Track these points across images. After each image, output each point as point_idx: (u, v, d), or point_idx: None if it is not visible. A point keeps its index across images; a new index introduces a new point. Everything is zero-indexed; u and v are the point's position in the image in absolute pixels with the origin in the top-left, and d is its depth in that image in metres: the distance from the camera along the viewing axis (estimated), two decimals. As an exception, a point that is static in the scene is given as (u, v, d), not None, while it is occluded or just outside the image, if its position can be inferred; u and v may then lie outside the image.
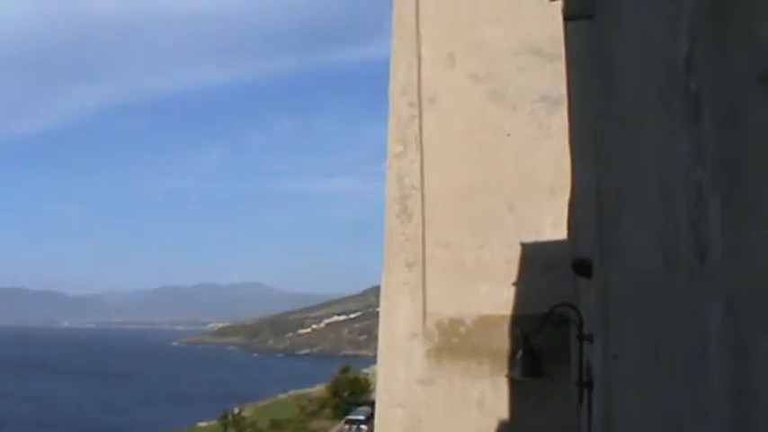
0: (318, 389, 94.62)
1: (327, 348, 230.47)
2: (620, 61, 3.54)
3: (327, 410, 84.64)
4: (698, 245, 2.11)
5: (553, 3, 5.95)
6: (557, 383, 7.58)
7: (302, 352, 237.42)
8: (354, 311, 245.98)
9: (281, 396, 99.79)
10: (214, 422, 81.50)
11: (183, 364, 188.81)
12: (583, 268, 5.38)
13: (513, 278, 8.88)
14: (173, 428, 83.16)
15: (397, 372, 9.31)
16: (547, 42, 8.74)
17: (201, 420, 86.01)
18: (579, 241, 6.57)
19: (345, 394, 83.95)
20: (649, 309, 2.93)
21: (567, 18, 5.26)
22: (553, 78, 8.53)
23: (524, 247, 8.85)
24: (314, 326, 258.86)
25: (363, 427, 68.07)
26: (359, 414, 72.69)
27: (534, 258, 8.82)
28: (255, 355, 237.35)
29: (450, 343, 9.17)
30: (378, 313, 9.87)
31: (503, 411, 8.82)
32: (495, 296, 8.94)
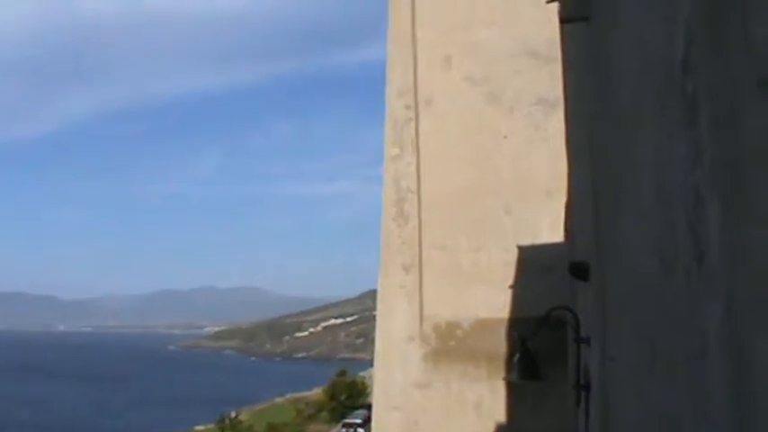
0: (315, 392, 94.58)
1: (324, 352, 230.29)
2: (617, 63, 3.54)
3: (324, 414, 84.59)
4: (696, 246, 2.11)
5: (549, 5, 5.95)
6: (554, 386, 7.58)
7: (299, 355, 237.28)
8: (351, 315, 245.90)
9: (278, 399, 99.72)
10: (211, 426, 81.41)
11: (180, 368, 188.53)
12: (580, 271, 5.38)
13: (510, 281, 8.88)
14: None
15: (394, 375, 9.30)
16: (543, 45, 8.74)
17: (198, 424, 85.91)
18: (576, 244, 6.57)
19: (342, 398, 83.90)
20: (647, 311, 2.93)
21: (564, 20, 5.26)
22: (549, 81, 8.53)
23: (521, 249, 8.84)
24: (311, 329, 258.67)
25: (360, 430, 67.96)
26: (356, 417, 72.62)
27: (531, 261, 8.81)
28: (252, 358, 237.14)
29: (447, 346, 9.16)
30: (375, 316, 9.86)
31: (500, 414, 8.81)
32: (492, 299, 8.93)
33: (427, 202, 9.32)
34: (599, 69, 4.18)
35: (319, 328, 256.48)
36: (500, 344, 8.83)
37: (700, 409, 2.15)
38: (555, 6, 5.80)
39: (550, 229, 8.67)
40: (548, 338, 7.16)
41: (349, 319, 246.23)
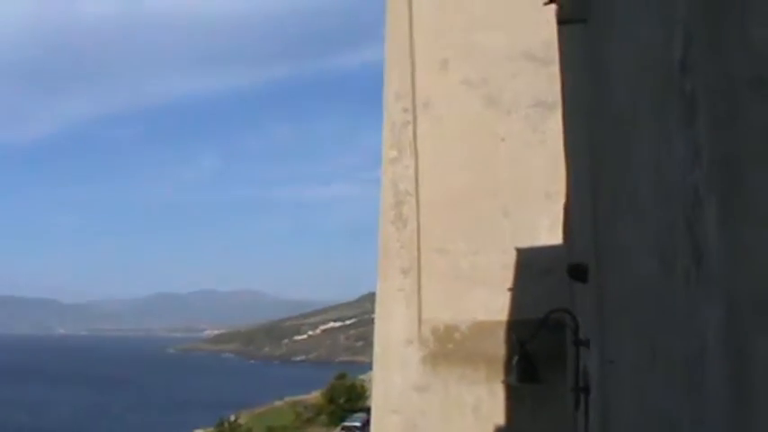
0: (314, 395, 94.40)
1: (323, 355, 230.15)
2: (615, 64, 3.53)
3: (323, 417, 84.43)
4: (694, 247, 2.09)
5: (547, 7, 5.95)
6: (553, 389, 7.56)
7: (298, 358, 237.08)
8: (350, 318, 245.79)
9: (277, 403, 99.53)
10: (210, 429, 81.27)
11: (179, 372, 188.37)
12: (578, 273, 5.37)
13: (509, 284, 8.86)
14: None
15: (393, 378, 9.29)
16: (541, 47, 8.74)
17: (197, 427, 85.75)
18: (575, 246, 6.56)
19: (341, 401, 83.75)
20: (646, 312, 2.92)
21: (562, 22, 5.26)
22: (547, 83, 8.53)
23: (519, 252, 8.83)
24: (310, 332, 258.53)
25: (359, 433, 67.86)
26: (355, 420, 72.48)
27: (529, 263, 8.80)
28: (251, 361, 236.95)
29: (446, 349, 9.15)
30: (374, 320, 9.84)
31: (499, 417, 8.80)
32: (491, 302, 8.92)
33: (425, 204, 9.31)
34: (597, 70, 4.17)
35: (318, 331, 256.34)
36: (499, 347, 8.82)
37: (699, 411, 2.13)
38: (552, 8, 5.80)
39: (549, 232, 8.66)
40: (546, 341, 7.15)
41: (348, 322, 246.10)
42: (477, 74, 9.22)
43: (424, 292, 9.26)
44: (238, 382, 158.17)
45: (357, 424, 70.44)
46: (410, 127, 9.41)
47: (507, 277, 8.88)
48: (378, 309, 9.58)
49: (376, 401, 9.63)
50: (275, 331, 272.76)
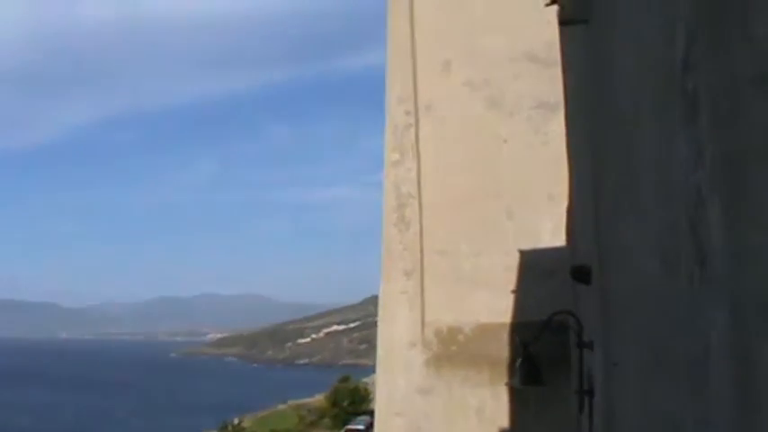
0: (318, 399, 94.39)
1: (327, 358, 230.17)
2: (617, 64, 3.51)
3: (327, 420, 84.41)
4: (698, 248, 2.08)
5: (548, 8, 5.94)
6: (557, 392, 7.54)
7: (301, 362, 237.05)
8: (354, 321, 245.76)
9: (281, 406, 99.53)
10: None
11: (182, 375, 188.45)
12: (582, 275, 5.35)
13: (512, 286, 8.85)
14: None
15: (397, 381, 9.27)
16: (542, 48, 8.72)
17: (201, 431, 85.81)
18: (578, 247, 6.54)
19: (345, 404, 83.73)
20: (650, 314, 2.90)
21: (563, 23, 5.24)
22: (549, 84, 8.51)
23: (523, 254, 8.81)
24: (313, 335, 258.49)
25: (363, 436, 67.84)
26: (358, 424, 72.47)
27: (533, 265, 8.78)
28: (254, 365, 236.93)
29: (449, 351, 9.13)
30: (377, 322, 9.83)
31: (502, 420, 8.77)
32: (494, 304, 8.90)
33: (428, 207, 9.29)
34: (599, 70, 4.16)
35: (321, 334, 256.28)
36: (502, 349, 8.80)
37: (704, 413, 2.12)
38: (554, 9, 5.78)
39: (552, 233, 8.64)
40: (550, 343, 7.13)
41: (351, 325, 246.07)
42: (479, 76, 9.21)
43: (427, 294, 9.24)
44: (242, 386, 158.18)
45: (361, 427, 70.43)
46: (412, 129, 9.40)
47: (510, 279, 8.86)
48: (381, 311, 9.57)
49: (379, 404, 9.62)
50: (278, 335, 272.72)
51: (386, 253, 9.44)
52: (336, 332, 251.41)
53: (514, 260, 8.83)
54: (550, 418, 8.19)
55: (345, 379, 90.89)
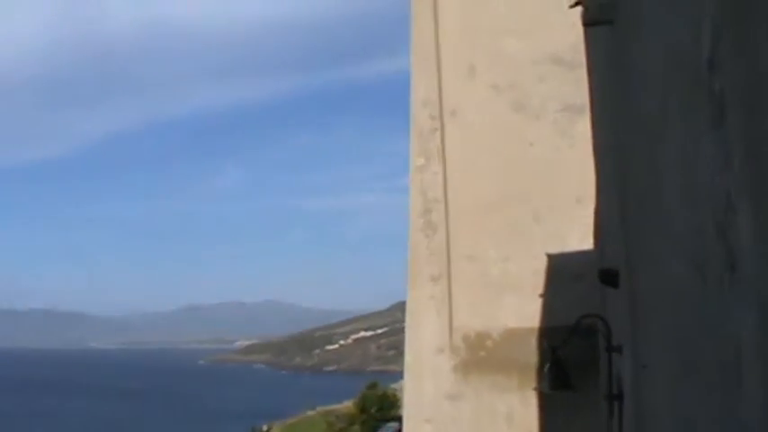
0: (346, 405, 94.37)
1: (355, 364, 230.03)
2: (642, 64, 3.48)
3: (356, 427, 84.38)
4: (727, 251, 2.05)
5: (573, 9, 5.91)
6: (586, 396, 7.49)
7: (330, 368, 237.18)
8: (381, 327, 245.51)
9: (309, 413, 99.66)
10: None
11: (211, 383, 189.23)
12: (609, 278, 5.31)
13: (540, 290, 8.80)
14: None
15: (425, 387, 9.25)
16: (568, 50, 8.68)
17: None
18: (605, 250, 6.50)
19: (373, 410, 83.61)
20: (679, 317, 2.87)
21: (588, 24, 5.22)
22: (575, 86, 8.47)
23: (550, 257, 8.76)
24: (341, 342, 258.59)
25: (392, 443, 67.73)
26: (387, 430, 72.33)
27: (561, 269, 8.73)
28: (283, 372, 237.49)
29: (477, 357, 9.09)
30: (404, 328, 9.81)
31: (532, 425, 8.72)
32: (522, 308, 8.86)
33: (455, 211, 9.27)
34: (624, 71, 4.13)
35: (349, 340, 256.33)
36: (531, 354, 8.75)
37: (735, 417, 2.09)
38: (578, 11, 5.76)
39: (580, 237, 8.59)
40: (579, 347, 7.08)
41: (379, 331, 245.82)
42: (505, 79, 9.18)
43: (455, 299, 9.21)
44: (270, 393, 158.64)
45: (390, 433, 70.36)
46: (438, 134, 9.38)
47: (538, 283, 8.81)
48: (408, 317, 9.54)
49: (408, 410, 9.60)
50: (306, 341, 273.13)
51: (412, 258, 9.42)
52: (364, 338, 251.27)
53: (542, 264, 8.79)
54: (580, 423, 8.13)
55: (373, 385, 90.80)
